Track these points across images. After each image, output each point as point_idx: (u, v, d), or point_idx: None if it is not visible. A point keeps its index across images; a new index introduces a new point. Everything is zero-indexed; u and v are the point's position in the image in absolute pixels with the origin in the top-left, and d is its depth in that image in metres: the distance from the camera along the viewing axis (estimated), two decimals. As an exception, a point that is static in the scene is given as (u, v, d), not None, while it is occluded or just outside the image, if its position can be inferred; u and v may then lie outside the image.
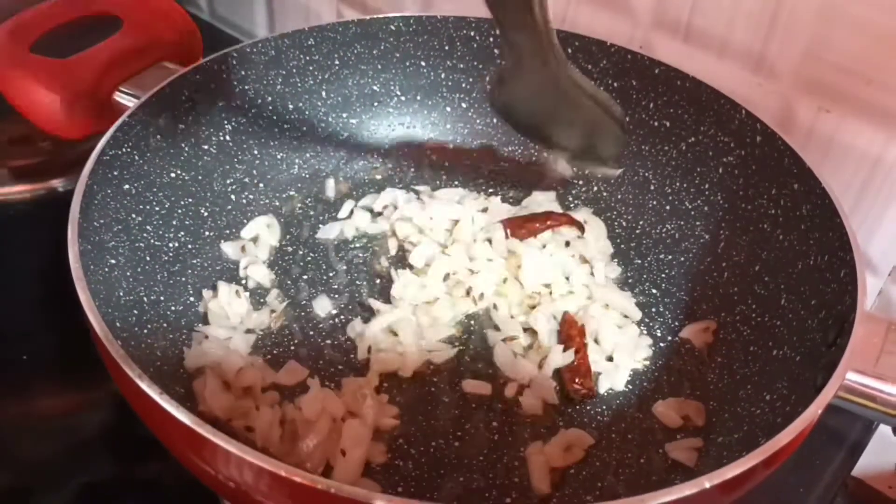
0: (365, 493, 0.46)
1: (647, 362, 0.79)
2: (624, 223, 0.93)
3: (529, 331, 0.81)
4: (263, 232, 0.88)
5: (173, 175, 0.82)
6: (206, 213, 0.86)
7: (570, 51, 0.91)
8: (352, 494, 0.47)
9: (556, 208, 0.93)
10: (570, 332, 0.80)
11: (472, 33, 0.94)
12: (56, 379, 0.87)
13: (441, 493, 0.68)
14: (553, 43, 0.66)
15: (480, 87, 0.97)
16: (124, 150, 0.76)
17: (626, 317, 0.83)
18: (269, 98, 0.91)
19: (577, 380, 0.76)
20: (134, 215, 0.76)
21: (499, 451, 0.71)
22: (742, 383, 0.74)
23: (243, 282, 0.84)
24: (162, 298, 0.77)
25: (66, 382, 0.87)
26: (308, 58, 0.92)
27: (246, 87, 0.88)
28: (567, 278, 0.85)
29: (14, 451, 0.79)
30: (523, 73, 0.70)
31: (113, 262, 0.71)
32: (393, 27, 0.94)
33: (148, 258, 0.77)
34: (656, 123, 0.90)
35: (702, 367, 0.79)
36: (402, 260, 0.88)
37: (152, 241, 0.78)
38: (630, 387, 0.77)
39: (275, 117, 0.92)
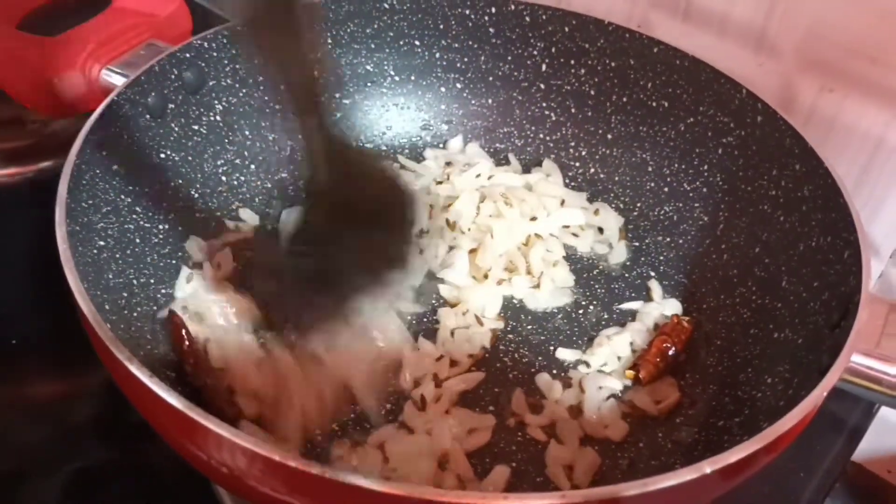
0: (360, 478, 0.46)
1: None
2: (621, 205, 0.92)
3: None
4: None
5: (163, 156, 0.81)
6: (196, 195, 0.84)
7: (566, 30, 0.90)
8: (347, 480, 0.46)
9: (559, 184, 0.93)
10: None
11: (467, 12, 0.93)
12: (47, 363, 0.86)
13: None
14: None
15: (475, 67, 0.96)
16: (113, 129, 0.74)
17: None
18: (261, 77, 0.89)
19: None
20: (123, 196, 0.75)
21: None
22: (742, 366, 0.73)
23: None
24: (152, 281, 0.76)
25: (56, 366, 0.86)
26: (300, 36, 0.90)
27: (237, 67, 0.87)
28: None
29: (5, 436, 0.78)
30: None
31: (102, 244, 0.70)
32: (387, 5, 0.92)
33: (137, 240, 0.76)
34: (654, 104, 0.89)
35: (700, 350, 0.78)
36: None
37: (142, 222, 0.77)
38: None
39: (266, 97, 0.90)
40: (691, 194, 0.88)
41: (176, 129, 0.82)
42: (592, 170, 0.95)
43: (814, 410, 0.54)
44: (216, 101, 0.86)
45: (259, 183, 0.90)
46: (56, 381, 0.86)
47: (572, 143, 0.96)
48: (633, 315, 0.81)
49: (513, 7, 0.92)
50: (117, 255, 0.72)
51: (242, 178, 0.89)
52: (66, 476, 0.75)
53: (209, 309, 0.77)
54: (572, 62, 0.92)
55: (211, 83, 0.85)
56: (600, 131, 0.94)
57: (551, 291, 0.83)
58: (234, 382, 0.72)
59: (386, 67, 0.96)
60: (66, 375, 0.85)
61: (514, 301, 0.83)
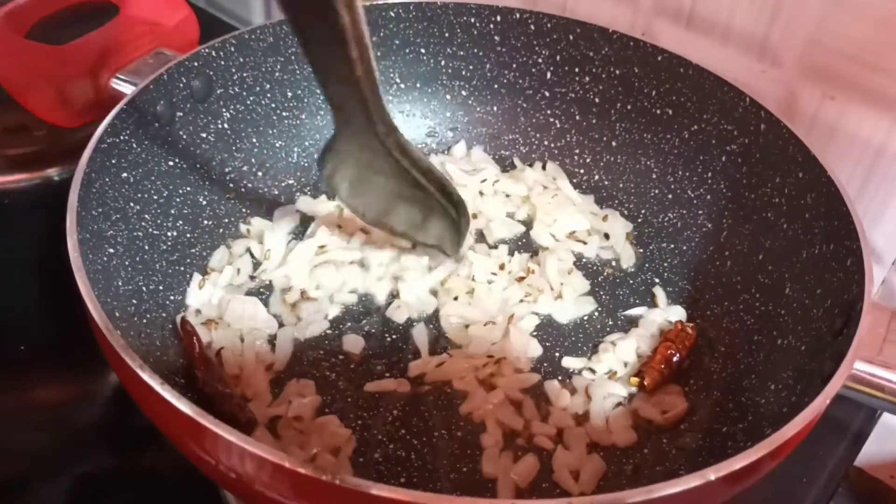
0: (369, 484, 0.46)
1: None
2: (626, 212, 0.92)
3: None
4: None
5: (171, 163, 0.81)
6: (204, 202, 0.85)
7: (571, 38, 0.91)
8: (356, 486, 0.46)
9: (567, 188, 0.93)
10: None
11: (473, 20, 0.93)
12: (54, 370, 0.86)
13: (443, 483, 0.68)
14: (379, 104, 0.65)
15: (481, 75, 0.97)
16: (122, 137, 0.75)
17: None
18: (268, 85, 0.90)
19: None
20: (132, 204, 0.76)
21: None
22: (746, 373, 0.74)
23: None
24: (161, 288, 0.76)
25: (63, 373, 0.86)
26: (307, 45, 0.91)
27: (244, 75, 0.87)
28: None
29: (11, 442, 0.79)
30: (350, 137, 0.68)
31: (111, 251, 0.71)
32: (392, 14, 0.93)
33: (146, 247, 0.76)
34: (658, 111, 0.89)
35: (704, 356, 0.78)
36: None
37: (151, 229, 0.78)
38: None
39: (273, 105, 0.91)
40: (695, 201, 0.88)
41: (184, 136, 0.83)
42: (597, 177, 0.95)
43: (817, 417, 0.55)
44: (224, 109, 0.87)
45: (266, 190, 0.91)
46: (62, 386, 0.86)
47: (577, 151, 0.96)
48: (637, 321, 0.81)
49: (518, 15, 0.92)
50: (126, 263, 0.72)
51: (250, 185, 0.90)
52: (72, 481, 0.75)
53: (222, 315, 0.77)
54: (577, 70, 0.93)
55: (219, 91, 0.86)
56: (605, 138, 0.94)
57: (574, 300, 0.83)
58: (248, 390, 0.72)
59: (391, 75, 0.97)
60: (72, 381, 0.86)
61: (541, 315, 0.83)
